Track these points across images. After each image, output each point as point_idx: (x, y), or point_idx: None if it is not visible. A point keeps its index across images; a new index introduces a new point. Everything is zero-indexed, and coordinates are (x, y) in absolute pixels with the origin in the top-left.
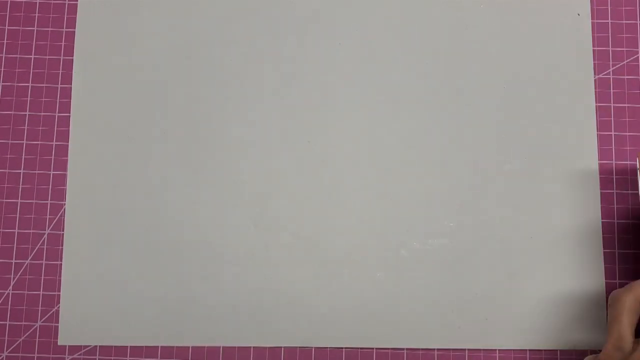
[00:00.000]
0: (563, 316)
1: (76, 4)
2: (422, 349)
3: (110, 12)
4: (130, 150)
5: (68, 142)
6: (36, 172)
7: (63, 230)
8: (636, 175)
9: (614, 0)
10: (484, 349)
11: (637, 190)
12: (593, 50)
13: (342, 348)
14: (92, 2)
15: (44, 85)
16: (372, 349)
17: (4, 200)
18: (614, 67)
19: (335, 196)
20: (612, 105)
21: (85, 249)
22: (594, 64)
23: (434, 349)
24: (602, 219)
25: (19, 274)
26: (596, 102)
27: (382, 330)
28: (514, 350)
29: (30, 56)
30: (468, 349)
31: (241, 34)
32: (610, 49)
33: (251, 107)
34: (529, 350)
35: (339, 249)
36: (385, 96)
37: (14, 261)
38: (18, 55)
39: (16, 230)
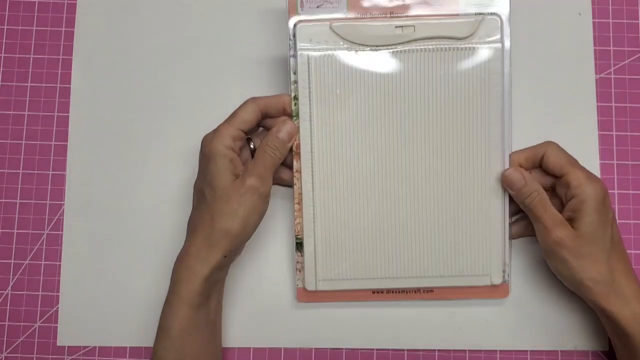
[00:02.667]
0: (564, 317)
1: (75, 4)
2: (423, 350)
3: (110, 12)
4: (129, 150)
5: (67, 142)
6: (35, 172)
7: (62, 231)
8: (637, 175)
9: (615, 0)
10: (484, 350)
11: (638, 190)
12: (594, 49)
13: (342, 348)
14: (91, 1)
15: (43, 85)
16: (372, 349)
17: (3, 200)
18: (615, 67)
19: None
20: (613, 105)
21: (84, 249)
22: (595, 63)
23: (435, 350)
24: None
25: (17, 274)
26: (597, 102)
27: (382, 331)
28: (514, 351)
29: (29, 56)
30: (469, 350)
31: (241, 34)
32: (612, 48)
33: None
34: (530, 351)
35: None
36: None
37: (12, 261)
38: (17, 55)
39: (15, 231)
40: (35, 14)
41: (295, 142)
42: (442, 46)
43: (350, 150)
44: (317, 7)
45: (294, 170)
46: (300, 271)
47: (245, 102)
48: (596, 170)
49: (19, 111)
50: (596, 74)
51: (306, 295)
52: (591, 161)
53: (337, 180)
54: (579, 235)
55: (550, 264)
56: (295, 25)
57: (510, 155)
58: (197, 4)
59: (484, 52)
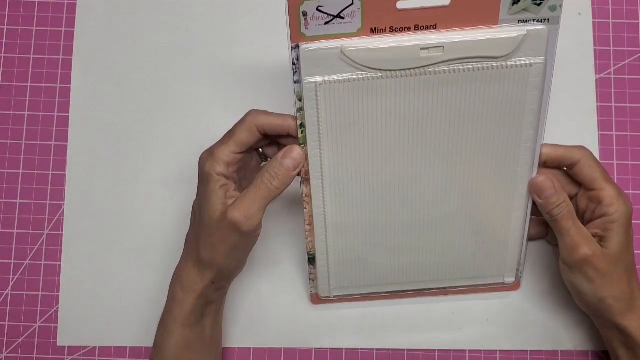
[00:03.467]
0: (564, 317)
1: (75, 4)
2: (423, 350)
3: (110, 12)
4: (129, 150)
5: (67, 142)
6: (35, 172)
7: (62, 231)
8: (637, 175)
9: (615, 0)
10: (484, 350)
11: (638, 191)
12: (594, 49)
13: (342, 348)
14: (91, 1)
15: (43, 85)
16: (372, 349)
17: (3, 200)
18: (615, 67)
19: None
20: (613, 105)
21: (84, 250)
22: (595, 63)
23: (435, 350)
24: None
25: (17, 274)
26: (597, 102)
27: (382, 331)
28: (514, 351)
29: (29, 56)
30: (469, 350)
31: (241, 34)
32: (612, 48)
33: (251, 107)
34: (530, 351)
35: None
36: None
37: (12, 261)
38: (17, 55)
39: (15, 231)
40: (35, 14)
41: (304, 169)
42: (475, 66)
43: (366, 174)
44: (326, 23)
45: (304, 195)
46: (313, 281)
47: (245, 118)
48: None
49: (19, 111)
50: (596, 74)
51: (320, 300)
52: None
53: (351, 202)
54: (607, 254)
55: (570, 278)
56: (298, 47)
57: (539, 163)
58: (197, 4)
59: (523, 70)
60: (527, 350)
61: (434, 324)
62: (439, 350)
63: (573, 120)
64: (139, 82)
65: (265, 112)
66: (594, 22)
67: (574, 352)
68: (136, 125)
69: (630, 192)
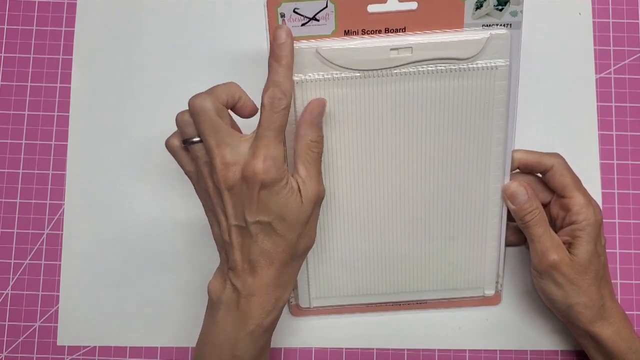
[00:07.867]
0: None
1: (75, 3)
2: (423, 350)
3: (110, 12)
4: (129, 150)
5: (67, 141)
6: (35, 172)
7: (62, 230)
8: (637, 175)
9: (615, 0)
10: (484, 350)
11: (638, 190)
12: (594, 49)
13: (342, 348)
14: (91, 1)
15: (43, 84)
16: (372, 349)
17: (3, 200)
18: (615, 67)
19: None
20: (613, 104)
21: (84, 249)
22: (595, 63)
23: (435, 350)
24: (603, 219)
25: (17, 274)
26: (597, 102)
27: (382, 331)
28: (514, 350)
29: (29, 55)
30: (469, 350)
31: (242, 34)
32: (612, 48)
33: None
34: (530, 351)
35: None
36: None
37: (12, 261)
38: (17, 55)
39: (15, 230)
40: (35, 14)
41: None
42: (442, 67)
43: (343, 176)
44: (302, 25)
45: None
46: (293, 289)
47: None
48: (596, 171)
49: (19, 111)
50: (596, 74)
51: (300, 311)
52: (591, 161)
53: (330, 205)
54: (575, 262)
55: (540, 284)
56: None
57: (511, 165)
58: (197, 4)
59: (489, 72)
60: (527, 350)
61: (434, 323)
62: (439, 350)
63: (573, 120)
64: (139, 82)
65: None
66: (594, 22)
67: (574, 352)
68: (136, 125)
69: (630, 191)
